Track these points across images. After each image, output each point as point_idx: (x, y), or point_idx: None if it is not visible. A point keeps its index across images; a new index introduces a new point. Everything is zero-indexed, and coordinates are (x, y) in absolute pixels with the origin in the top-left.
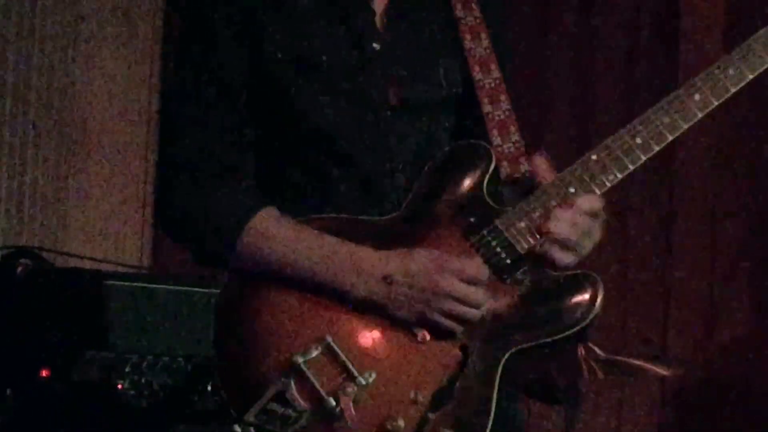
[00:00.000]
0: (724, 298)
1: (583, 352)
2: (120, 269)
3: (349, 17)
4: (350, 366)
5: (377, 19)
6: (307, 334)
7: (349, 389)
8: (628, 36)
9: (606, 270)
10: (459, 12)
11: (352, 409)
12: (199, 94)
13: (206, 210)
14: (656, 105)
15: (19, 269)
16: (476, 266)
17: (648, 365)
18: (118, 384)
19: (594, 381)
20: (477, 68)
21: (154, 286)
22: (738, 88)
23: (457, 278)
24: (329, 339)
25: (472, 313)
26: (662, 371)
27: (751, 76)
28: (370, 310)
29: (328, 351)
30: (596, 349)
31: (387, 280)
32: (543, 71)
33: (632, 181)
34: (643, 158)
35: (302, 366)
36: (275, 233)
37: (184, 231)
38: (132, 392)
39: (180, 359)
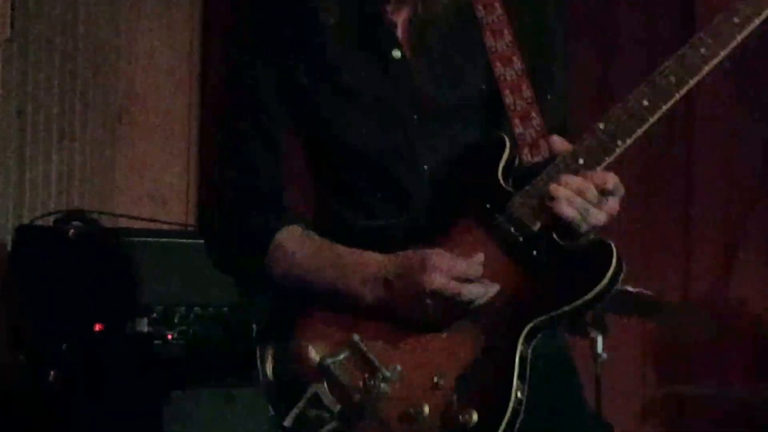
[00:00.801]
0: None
1: None
2: (166, 227)
3: (369, 32)
4: (376, 362)
5: (398, 29)
6: (334, 338)
7: (376, 383)
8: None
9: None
10: (480, 13)
11: (377, 401)
12: (244, 138)
13: (240, 234)
14: (661, 66)
15: (71, 231)
16: (466, 263)
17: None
18: (167, 335)
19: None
20: (498, 64)
21: (199, 241)
22: (744, 35)
23: (446, 276)
24: (356, 338)
25: (470, 305)
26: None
27: (757, 21)
28: (384, 310)
29: (354, 352)
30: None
31: (386, 283)
32: None
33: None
34: (651, 120)
35: (332, 368)
36: (296, 249)
37: (225, 257)
38: (182, 342)
39: (225, 309)
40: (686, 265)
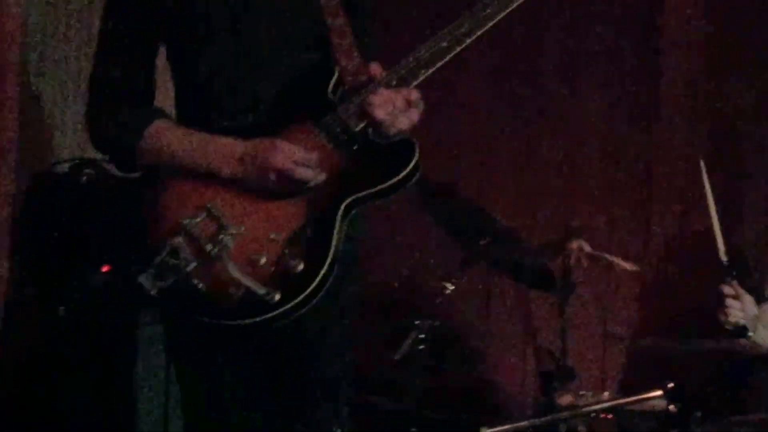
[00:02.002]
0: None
1: (575, 246)
2: None
3: None
4: (224, 222)
5: None
6: (193, 204)
7: (222, 236)
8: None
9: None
10: None
11: (225, 250)
12: (117, 45)
13: (116, 123)
14: (457, 20)
15: (84, 178)
16: (302, 151)
17: (622, 261)
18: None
19: (582, 271)
20: (328, 15)
21: None
22: (519, 1)
23: (286, 158)
24: (209, 205)
25: (301, 182)
26: (632, 267)
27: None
28: (237, 182)
29: (209, 214)
30: (585, 244)
31: (240, 160)
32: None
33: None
34: (447, 57)
35: (189, 227)
36: (168, 135)
37: (103, 142)
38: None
39: None
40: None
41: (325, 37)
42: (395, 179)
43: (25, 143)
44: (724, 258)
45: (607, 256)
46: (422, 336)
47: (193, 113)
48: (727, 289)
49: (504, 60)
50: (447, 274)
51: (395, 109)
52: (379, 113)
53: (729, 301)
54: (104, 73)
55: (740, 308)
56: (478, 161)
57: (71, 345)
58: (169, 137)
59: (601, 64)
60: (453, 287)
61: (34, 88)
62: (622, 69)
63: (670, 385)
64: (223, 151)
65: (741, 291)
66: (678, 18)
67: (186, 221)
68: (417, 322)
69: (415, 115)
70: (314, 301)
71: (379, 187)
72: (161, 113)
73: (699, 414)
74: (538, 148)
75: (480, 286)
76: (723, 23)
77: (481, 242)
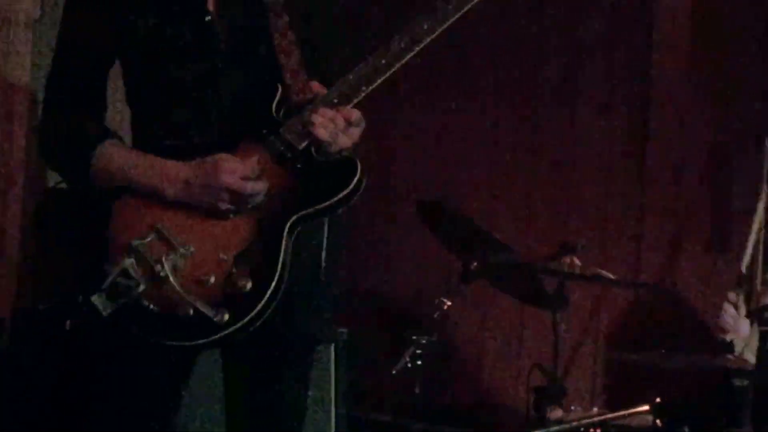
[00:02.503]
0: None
1: (568, 262)
2: None
3: (187, 3)
4: (174, 243)
5: (208, 4)
6: (142, 225)
7: (171, 257)
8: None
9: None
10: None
11: (174, 271)
12: (71, 60)
13: (66, 141)
14: (395, 37)
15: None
16: (248, 166)
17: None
18: None
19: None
20: (276, 35)
21: None
22: (457, 17)
23: (233, 175)
24: (158, 226)
25: (250, 198)
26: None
27: (467, 6)
28: (183, 203)
29: (158, 235)
30: (577, 260)
31: (186, 182)
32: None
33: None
34: (387, 74)
35: (139, 248)
36: (116, 157)
37: (53, 158)
38: None
39: None
40: (637, 249)
41: (273, 56)
42: (339, 196)
43: (35, 161)
44: (743, 269)
45: (600, 271)
46: (419, 351)
47: (145, 130)
48: (732, 296)
49: (500, 80)
50: (445, 290)
51: (336, 128)
52: (321, 133)
53: (727, 307)
54: (57, 84)
55: (735, 317)
56: (474, 178)
57: (76, 358)
58: (117, 158)
59: (596, 85)
60: (450, 303)
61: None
62: (616, 89)
63: (657, 400)
64: (169, 173)
65: (742, 307)
66: (669, 45)
67: (136, 242)
68: (415, 337)
69: (356, 134)
70: (263, 319)
71: (324, 204)
72: (110, 134)
73: (686, 429)
74: (533, 165)
75: (476, 302)
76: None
77: (474, 255)
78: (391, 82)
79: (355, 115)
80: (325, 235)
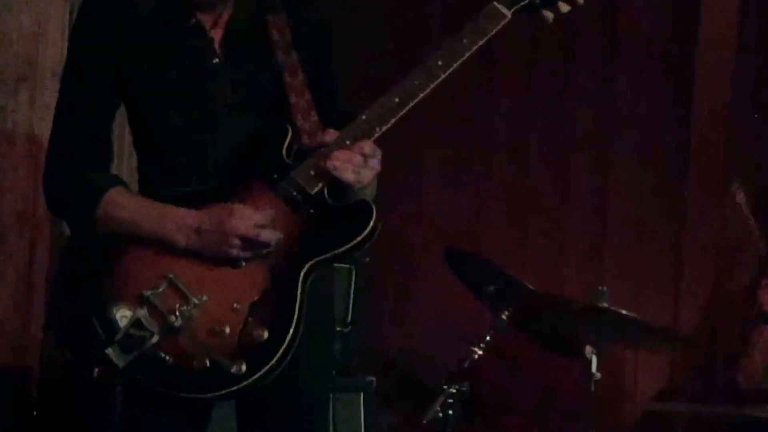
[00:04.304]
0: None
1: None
2: None
3: (193, 42)
4: (187, 293)
5: (216, 43)
6: (153, 274)
7: (185, 307)
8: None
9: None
10: (274, 36)
11: (188, 322)
12: (75, 108)
13: (72, 189)
14: (409, 72)
15: None
16: (261, 214)
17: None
18: None
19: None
20: (287, 74)
21: None
22: (469, 54)
23: (245, 222)
24: (170, 275)
25: (263, 245)
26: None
27: (481, 42)
28: (195, 252)
29: (170, 285)
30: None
31: (198, 231)
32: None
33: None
34: (401, 113)
35: (151, 298)
36: (124, 204)
37: (59, 207)
38: None
39: None
40: (675, 293)
41: (283, 96)
42: (355, 241)
43: None
44: None
45: (636, 317)
46: (450, 400)
47: (148, 176)
48: None
49: (532, 124)
50: (475, 339)
51: (355, 166)
52: (347, 176)
53: None
54: (61, 132)
55: None
56: (504, 224)
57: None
58: (124, 207)
59: (632, 129)
60: (481, 352)
61: None
62: (653, 132)
63: None
64: (179, 222)
65: None
66: (709, 83)
67: (148, 292)
68: (445, 386)
69: (376, 165)
70: (280, 369)
71: (340, 249)
72: (118, 180)
73: None
74: (566, 211)
75: (507, 351)
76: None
77: (505, 304)
78: (418, 124)
79: (369, 146)
80: (353, 283)
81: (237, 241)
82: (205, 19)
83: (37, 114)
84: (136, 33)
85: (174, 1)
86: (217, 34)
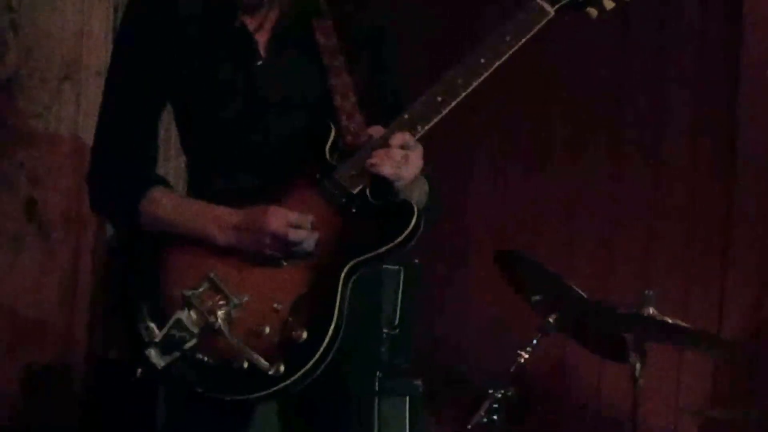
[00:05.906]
0: None
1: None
2: None
3: (239, 43)
4: (228, 293)
5: (260, 45)
6: (193, 274)
7: (225, 309)
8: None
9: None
10: (320, 39)
11: (228, 322)
12: (120, 108)
13: (115, 188)
14: (451, 70)
15: None
16: (296, 214)
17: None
18: None
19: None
20: (332, 76)
21: None
22: (514, 50)
23: (279, 221)
24: (211, 275)
25: (295, 246)
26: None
27: (524, 39)
28: (235, 251)
29: (211, 285)
30: (656, 313)
31: (237, 229)
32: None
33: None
34: (444, 112)
35: (192, 298)
36: (165, 203)
37: (102, 205)
38: None
39: None
40: (720, 299)
41: (328, 98)
42: (396, 241)
43: None
44: None
45: (681, 324)
46: (496, 405)
47: (197, 175)
48: None
49: (581, 127)
50: (522, 342)
51: (395, 162)
52: (386, 170)
53: None
54: (105, 131)
55: None
56: (552, 227)
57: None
58: (165, 206)
59: (681, 136)
60: (527, 356)
61: None
62: (703, 138)
63: None
64: (219, 220)
65: None
66: (755, 86)
67: (189, 293)
68: (491, 391)
69: (416, 159)
70: (320, 370)
71: (381, 249)
72: (160, 180)
73: None
74: (615, 216)
75: (554, 355)
76: None
77: (552, 306)
78: (468, 126)
79: (405, 137)
80: (401, 286)
81: (269, 240)
82: (250, 21)
83: (81, 113)
84: (182, 33)
85: (218, 2)
86: (262, 36)
